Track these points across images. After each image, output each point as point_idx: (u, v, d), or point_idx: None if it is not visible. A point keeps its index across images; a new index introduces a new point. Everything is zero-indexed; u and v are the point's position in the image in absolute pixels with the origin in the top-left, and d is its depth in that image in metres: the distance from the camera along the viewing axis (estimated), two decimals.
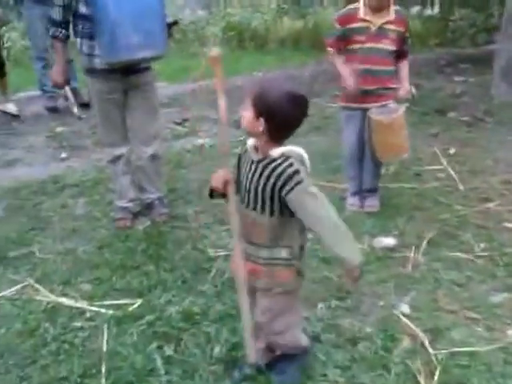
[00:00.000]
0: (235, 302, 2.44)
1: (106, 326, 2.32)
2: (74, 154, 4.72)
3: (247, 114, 1.62)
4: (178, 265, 2.83)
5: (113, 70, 2.91)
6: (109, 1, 2.59)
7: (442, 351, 2.13)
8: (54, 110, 5.83)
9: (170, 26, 3.01)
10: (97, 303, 2.49)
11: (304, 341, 1.97)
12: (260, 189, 1.66)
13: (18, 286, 2.66)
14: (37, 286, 2.65)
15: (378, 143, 3.12)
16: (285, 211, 1.67)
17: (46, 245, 3.09)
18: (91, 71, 2.98)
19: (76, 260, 2.92)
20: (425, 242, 2.97)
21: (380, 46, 3.05)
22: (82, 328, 2.32)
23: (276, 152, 1.64)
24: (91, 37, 2.85)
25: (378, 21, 3.01)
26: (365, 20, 3.02)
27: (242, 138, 4.92)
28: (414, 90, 3.12)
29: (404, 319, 2.34)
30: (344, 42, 3.14)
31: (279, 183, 1.61)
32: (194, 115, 5.70)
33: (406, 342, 2.19)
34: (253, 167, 1.69)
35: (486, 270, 2.72)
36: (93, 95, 3.08)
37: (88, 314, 2.42)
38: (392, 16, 3.02)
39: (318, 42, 11.29)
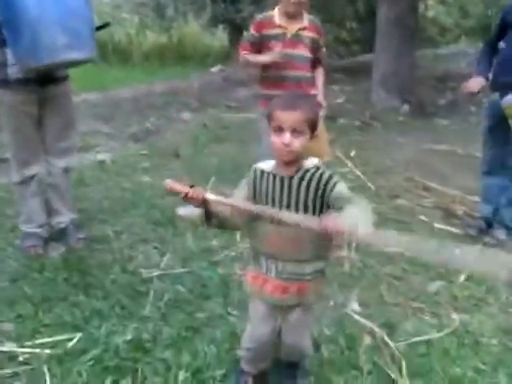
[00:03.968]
0: (185, 323, 2.32)
1: (45, 367, 2.02)
2: None
3: (298, 139, 1.57)
4: (110, 291, 2.59)
5: (28, 80, 2.60)
6: (28, 2, 2.30)
7: (402, 343, 2.20)
8: None
9: (101, 28, 2.77)
10: (28, 343, 2.17)
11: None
12: (302, 201, 1.61)
13: None
14: None
15: None
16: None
17: None
18: (2, 82, 2.63)
19: None
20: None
21: (296, 52, 3.07)
22: (17, 374, 2.00)
23: (308, 164, 1.63)
24: (1, 44, 2.51)
25: (293, 27, 3.04)
26: (281, 26, 3.04)
27: (144, 152, 4.75)
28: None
29: (357, 317, 2.38)
30: (259, 47, 3.10)
31: (321, 188, 1.59)
32: (84, 130, 5.33)
33: (367, 340, 2.22)
34: (285, 184, 1.62)
35: (417, 261, 2.86)
36: (4, 110, 2.72)
37: (21, 358, 2.09)
38: (306, 23, 3.08)
39: (183, 56, 11.40)
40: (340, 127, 5.60)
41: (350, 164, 4.34)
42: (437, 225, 3.32)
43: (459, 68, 7.83)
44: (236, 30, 13.46)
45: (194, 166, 4.38)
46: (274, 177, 1.65)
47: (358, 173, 4.15)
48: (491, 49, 3.05)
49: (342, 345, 2.18)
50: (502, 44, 2.98)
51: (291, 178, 1.62)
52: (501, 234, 3.13)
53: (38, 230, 3.01)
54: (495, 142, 3.03)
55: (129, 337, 2.22)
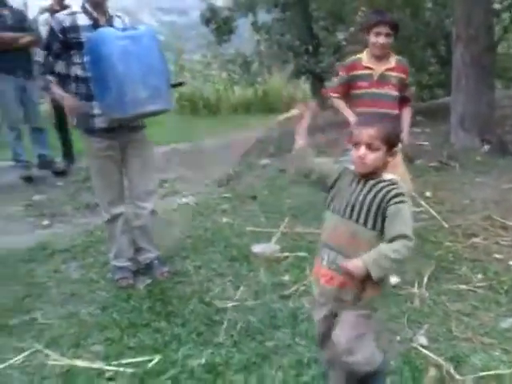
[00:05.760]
0: (255, 350, 2.46)
1: None
2: (57, 221, 4.64)
3: (373, 154, 1.76)
4: (188, 319, 2.80)
5: (110, 129, 2.98)
6: (116, 61, 2.67)
7: (469, 376, 2.18)
8: (28, 180, 5.76)
9: (176, 85, 3.14)
10: (114, 363, 2.42)
11: (379, 357, 1.94)
12: (366, 204, 1.77)
13: (26, 353, 2.55)
14: (46, 351, 2.55)
15: None
16: (382, 227, 1.76)
17: (47, 310, 2.99)
18: (89, 131, 3.03)
19: (81, 323, 2.84)
20: (425, 278, 3.08)
21: (383, 91, 3.24)
22: None
23: (387, 177, 1.81)
24: (89, 97, 2.92)
25: (380, 68, 3.25)
26: (368, 67, 3.25)
27: (225, 195, 5.05)
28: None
29: (424, 351, 2.39)
30: (348, 88, 3.33)
31: (387, 197, 1.74)
32: (172, 177, 5.78)
33: (432, 372, 2.23)
34: (360, 184, 1.82)
35: (489, 299, 2.84)
36: (90, 155, 3.12)
37: (107, 374, 2.34)
38: (392, 63, 3.27)
39: (268, 108, 11.89)
40: (416, 168, 5.57)
41: (423, 203, 4.33)
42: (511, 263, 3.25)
43: None
44: (317, 79, 13.89)
45: (271, 206, 4.59)
46: (355, 175, 1.83)
47: (433, 212, 4.13)
48: None
49: (406, 376, 2.21)
50: None
51: (367, 180, 1.80)
52: None
53: (127, 264, 3.33)
54: None
55: (203, 360, 2.40)
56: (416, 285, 3.01)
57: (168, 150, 7.00)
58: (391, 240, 1.70)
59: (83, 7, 2.98)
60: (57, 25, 2.92)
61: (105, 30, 2.77)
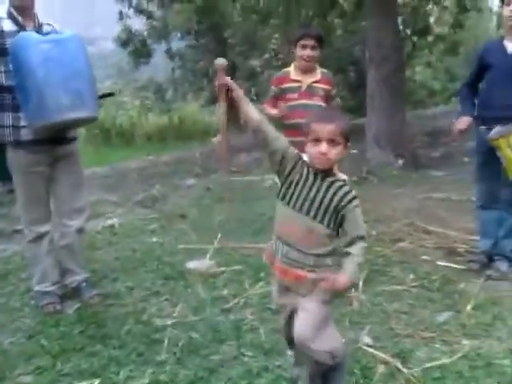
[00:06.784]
0: (201, 365, 2.36)
1: None
2: None
3: (335, 149, 1.76)
4: (126, 340, 2.64)
5: (40, 141, 2.79)
6: (35, 65, 2.53)
7: (416, 369, 2.23)
8: None
9: (105, 96, 3.01)
10: None
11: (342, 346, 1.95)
12: (325, 204, 1.78)
13: None
14: None
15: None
16: (336, 226, 1.81)
17: None
18: (16, 144, 2.82)
19: (5, 353, 2.57)
20: (361, 282, 3.14)
21: (312, 102, 3.32)
22: None
23: (341, 176, 1.84)
24: (15, 108, 2.73)
25: (307, 80, 3.34)
26: (296, 80, 3.34)
27: (151, 216, 4.90)
28: None
29: (370, 349, 2.41)
30: (279, 100, 3.38)
31: (345, 200, 1.78)
32: (92, 199, 5.52)
33: (381, 369, 2.26)
34: (317, 181, 1.80)
35: (423, 296, 2.95)
36: (15, 170, 2.89)
37: None
38: (318, 76, 3.37)
39: (184, 135, 11.86)
40: None
41: None
42: (440, 262, 3.41)
43: (450, 124, 8.14)
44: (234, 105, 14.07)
45: (201, 224, 4.52)
46: (310, 169, 1.82)
47: None
48: (472, 89, 3.28)
49: (357, 374, 2.21)
50: (482, 84, 3.21)
51: (323, 178, 1.80)
52: (502, 265, 3.21)
53: (53, 288, 3.09)
54: (487, 175, 3.18)
55: (147, 380, 2.27)
56: (352, 288, 3.06)
57: (86, 173, 6.69)
58: (351, 241, 1.80)
59: (9, 13, 2.81)
60: None
61: (26, 34, 2.62)
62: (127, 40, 11.61)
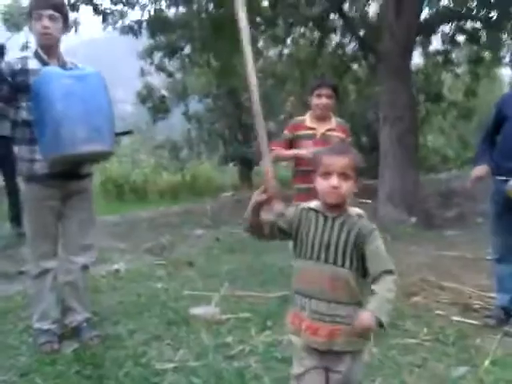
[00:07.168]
0: None
1: None
2: None
3: (346, 183, 1.68)
4: (124, 382, 2.52)
5: (54, 176, 2.79)
6: (55, 99, 2.56)
7: None
8: None
9: (123, 134, 3.03)
10: None
11: None
12: (342, 243, 1.68)
13: None
14: None
15: None
16: (359, 266, 1.69)
17: None
18: (30, 178, 2.82)
19: None
20: (372, 334, 3.00)
21: None
22: None
23: (353, 211, 1.73)
24: (32, 142, 2.75)
25: (321, 128, 3.36)
26: (310, 128, 3.37)
27: (158, 262, 4.83)
28: None
29: None
30: (290, 146, 3.40)
31: (361, 234, 1.68)
32: (101, 246, 5.48)
33: None
34: (328, 224, 1.72)
35: (437, 350, 2.80)
36: (27, 203, 2.88)
37: None
38: (333, 124, 3.40)
39: (196, 193, 11.93)
40: None
41: None
42: (455, 317, 3.26)
43: (463, 186, 8.11)
44: (246, 165, 14.24)
45: (208, 272, 4.43)
46: (318, 214, 1.73)
47: None
48: (489, 141, 3.24)
49: None
50: (499, 136, 3.17)
51: (335, 218, 1.71)
52: None
53: (52, 327, 2.99)
54: (503, 227, 3.10)
55: None
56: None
57: (97, 221, 6.70)
58: (377, 277, 1.65)
59: (35, 52, 2.89)
60: (7, 68, 2.80)
61: (49, 69, 2.68)
62: (147, 96, 12.00)
